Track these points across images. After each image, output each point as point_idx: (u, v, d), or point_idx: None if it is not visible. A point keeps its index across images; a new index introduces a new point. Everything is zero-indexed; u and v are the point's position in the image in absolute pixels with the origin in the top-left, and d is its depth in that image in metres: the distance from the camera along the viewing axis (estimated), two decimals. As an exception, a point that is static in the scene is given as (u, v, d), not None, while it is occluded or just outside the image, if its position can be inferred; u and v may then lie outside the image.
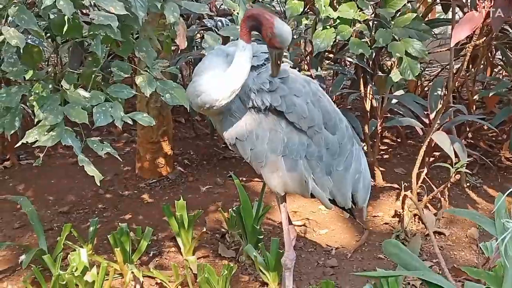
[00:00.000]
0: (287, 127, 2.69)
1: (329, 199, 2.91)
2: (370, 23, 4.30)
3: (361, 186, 2.99)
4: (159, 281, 3.70)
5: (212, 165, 5.52)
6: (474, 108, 5.30)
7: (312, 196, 2.86)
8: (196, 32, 5.21)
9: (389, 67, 4.98)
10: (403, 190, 4.27)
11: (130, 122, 2.84)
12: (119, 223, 3.89)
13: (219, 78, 2.58)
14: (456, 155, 4.03)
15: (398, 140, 6.01)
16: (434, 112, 4.33)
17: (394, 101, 4.72)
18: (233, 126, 2.72)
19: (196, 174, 5.30)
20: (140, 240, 3.83)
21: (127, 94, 2.93)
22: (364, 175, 3.01)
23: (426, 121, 4.46)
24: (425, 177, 4.31)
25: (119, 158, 3.08)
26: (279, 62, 2.59)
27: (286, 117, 2.69)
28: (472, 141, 5.48)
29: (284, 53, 2.72)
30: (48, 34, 3.10)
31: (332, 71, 5.75)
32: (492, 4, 3.45)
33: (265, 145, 2.69)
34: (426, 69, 6.74)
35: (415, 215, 4.35)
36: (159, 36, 3.27)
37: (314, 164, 2.78)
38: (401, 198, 4.32)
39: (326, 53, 5.03)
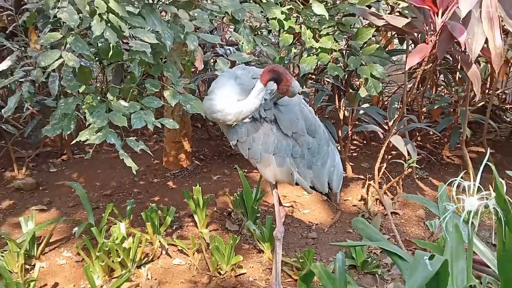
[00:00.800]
0: (277, 132, 2.70)
1: (310, 186, 2.93)
2: (344, 51, 4.30)
3: (335, 177, 3.00)
4: (180, 248, 3.71)
5: (221, 159, 5.52)
6: (422, 118, 5.31)
7: (297, 184, 2.87)
8: (210, 57, 5.22)
9: (357, 86, 4.98)
10: (367, 180, 4.28)
11: (159, 125, 2.84)
12: (150, 203, 3.90)
13: (237, 104, 2.56)
14: (409, 154, 4.03)
15: (364, 142, 6.02)
16: (392, 121, 4.33)
17: (361, 112, 4.72)
18: (235, 131, 2.72)
19: (209, 167, 5.29)
20: (166, 216, 3.84)
21: (157, 104, 2.94)
22: (337, 168, 3.02)
23: (386, 127, 4.46)
24: (385, 170, 4.31)
25: (150, 154, 3.08)
26: (279, 98, 2.67)
27: (276, 123, 2.71)
28: (420, 143, 5.48)
29: None
30: (97, 58, 3.09)
31: (314, 88, 5.74)
32: (437, 38, 3.46)
33: (259, 146, 2.70)
34: (386, 87, 6.74)
35: (376, 199, 4.36)
36: (182, 60, 3.27)
37: (298, 161, 2.78)
38: (366, 186, 4.33)
39: (310, 75, 5.04)
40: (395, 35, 5.19)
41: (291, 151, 2.74)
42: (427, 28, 3.59)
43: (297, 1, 4.09)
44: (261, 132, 2.69)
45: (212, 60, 5.63)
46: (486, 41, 3.25)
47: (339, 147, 4.91)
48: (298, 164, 2.79)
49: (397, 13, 4.34)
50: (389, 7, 4.62)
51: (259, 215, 3.96)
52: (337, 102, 4.80)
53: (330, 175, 2.97)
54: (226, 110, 2.55)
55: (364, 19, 4.23)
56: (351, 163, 5.10)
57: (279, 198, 3.03)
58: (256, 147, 2.71)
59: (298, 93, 2.71)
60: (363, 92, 4.14)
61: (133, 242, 3.44)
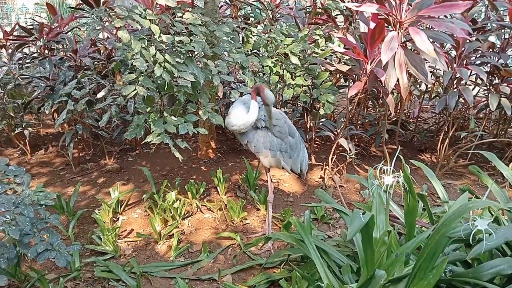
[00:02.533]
0: (272, 135, 2.71)
1: (290, 169, 2.92)
2: (310, 86, 4.29)
3: (304, 163, 3.00)
4: (208, 208, 3.70)
5: (234, 153, 5.50)
6: (358, 127, 5.28)
7: (283, 168, 2.87)
8: (227, 90, 5.19)
9: (318, 107, 4.98)
10: (324, 166, 4.27)
11: (196, 132, 2.84)
12: (190, 180, 3.89)
13: (244, 117, 2.57)
14: (350, 149, 4.03)
15: (322, 142, 6.00)
16: (340, 129, 4.32)
17: (320, 123, 4.71)
18: (246, 136, 2.72)
19: (227, 157, 5.27)
20: (199, 188, 3.83)
21: (194, 119, 2.92)
22: (305, 158, 3.01)
23: (336, 133, 4.45)
24: (335, 160, 4.30)
25: (190, 149, 3.08)
26: (270, 116, 2.59)
27: (269, 133, 2.71)
28: (357, 143, 5.47)
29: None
30: (158, 90, 3.08)
31: (291, 109, 5.73)
32: (368, 78, 3.46)
33: (261, 144, 2.71)
34: (336, 108, 6.71)
35: (330, 177, 4.35)
36: (210, 91, 3.27)
37: (284, 153, 2.79)
38: (323, 169, 4.32)
39: (289, 100, 5.03)
40: (342, 76, 5.18)
41: (280, 147, 2.75)
42: (361, 72, 3.59)
43: (281, 55, 4.09)
44: (261, 136, 2.71)
45: (228, 92, 5.60)
46: (398, 80, 3.26)
47: (307, 146, 4.90)
48: (283, 155, 2.80)
49: (343, 62, 4.33)
50: (338, 58, 4.61)
51: (257, 187, 3.95)
52: (305, 118, 4.79)
53: (302, 162, 2.97)
54: (239, 123, 2.56)
55: (322, 66, 4.23)
56: (314, 155, 5.09)
57: (270, 176, 3.03)
58: (259, 145, 2.72)
59: (282, 111, 2.73)
60: (322, 111, 4.15)
61: (180, 203, 3.43)
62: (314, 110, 4.78)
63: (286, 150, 2.82)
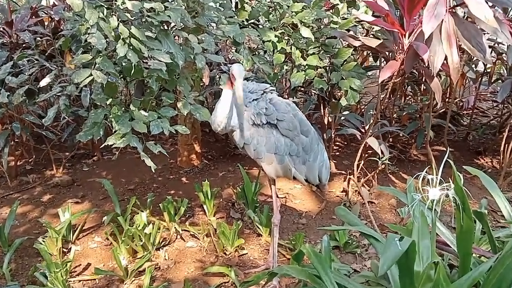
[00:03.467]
0: (277, 134, 2.72)
1: (305, 179, 2.94)
2: (327, 68, 4.30)
3: (324, 170, 3.01)
4: (192, 233, 3.71)
5: (226, 159, 5.51)
6: (393, 122, 5.30)
7: (294, 178, 2.89)
8: (216, 74, 5.21)
9: (339, 96, 4.99)
10: (348, 175, 4.28)
11: (174, 131, 2.84)
12: (167, 196, 3.90)
13: (224, 113, 2.70)
14: (382, 152, 4.04)
15: (345, 143, 6.01)
16: (368, 125, 4.33)
17: (342, 118, 4.73)
18: (242, 137, 2.73)
19: (216, 165, 5.29)
20: (180, 207, 3.84)
21: (172, 113, 2.93)
22: (325, 163, 3.03)
23: (363, 130, 4.46)
24: (362, 166, 4.31)
25: (166, 155, 3.07)
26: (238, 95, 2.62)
27: (276, 127, 2.73)
28: (392, 143, 5.48)
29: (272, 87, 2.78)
30: (121, 75, 3.09)
31: (302, 98, 5.74)
32: (405, 56, 3.47)
33: (263, 147, 2.72)
34: (362, 98, 6.73)
35: (355, 191, 4.36)
36: (192, 76, 3.27)
37: (295, 158, 2.81)
38: (347, 180, 4.33)
39: (299, 87, 5.04)
40: (370, 54, 5.19)
41: (289, 150, 2.76)
42: (396, 47, 3.60)
43: (288, 26, 4.09)
44: (263, 135, 2.72)
45: (217, 76, 5.62)
46: (446, 58, 3.26)
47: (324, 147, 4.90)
48: (294, 161, 2.81)
49: (371, 35, 4.34)
50: (365, 30, 4.62)
51: (257, 205, 3.96)
52: (322, 110, 4.80)
53: (320, 169, 2.98)
54: (220, 123, 2.67)
55: (344, 40, 4.23)
56: (334, 161, 5.10)
57: (276, 191, 3.04)
58: (260, 148, 2.73)
59: (292, 101, 2.77)
60: (343, 102, 4.15)
61: (153, 228, 3.44)
62: (333, 100, 4.79)
63: (297, 154, 2.83)
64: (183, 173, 5.05)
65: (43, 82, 3.53)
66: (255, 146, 2.74)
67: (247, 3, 4.14)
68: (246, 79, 5.10)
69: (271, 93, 2.83)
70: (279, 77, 4.47)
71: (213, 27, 3.37)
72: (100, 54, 2.71)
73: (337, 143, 6.03)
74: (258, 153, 2.75)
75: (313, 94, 5.71)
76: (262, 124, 2.70)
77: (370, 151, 4.54)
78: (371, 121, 4.23)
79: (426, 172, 2.24)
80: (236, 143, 2.81)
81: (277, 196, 3.08)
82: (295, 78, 4.05)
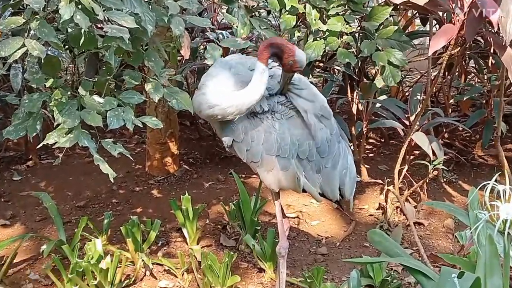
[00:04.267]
0: (280, 128, 2.70)
1: (319, 193, 2.93)
2: (356, 35, 4.29)
3: (347, 180, 2.99)
4: (167, 268, 3.70)
5: (214, 163, 5.51)
6: (449, 111, 5.31)
7: (304, 191, 2.87)
8: (200, 43, 5.21)
9: (373, 75, 4.98)
10: (386, 185, 4.28)
11: (140, 125, 2.83)
12: (131, 216, 3.90)
13: (236, 94, 2.59)
14: (434, 153, 4.04)
15: (381, 140, 6.01)
16: (414, 115, 4.33)
17: (378, 105, 4.72)
18: (230, 129, 2.73)
19: (200, 172, 5.29)
20: (150, 231, 3.83)
21: (138, 99, 2.92)
22: (350, 170, 3.01)
23: (407, 123, 4.45)
24: (406, 173, 4.31)
25: (130, 158, 3.07)
26: (289, 82, 2.69)
27: (278, 120, 2.71)
28: (448, 141, 5.48)
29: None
30: (66, 46, 3.08)
31: (322, 78, 5.74)
32: (465, 17, 3.46)
33: (260, 146, 2.71)
34: (407, 76, 6.74)
35: (397, 207, 4.36)
36: (166, 47, 3.26)
37: (305, 163, 2.79)
38: (384, 192, 4.33)
39: (317, 62, 5.04)
40: (417, 15, 5.19)
41: (297, 151, 2.73)
42: (453, 5, 3.59)
43: (301, -24, 4.08)
44: (261, 130, 2.70)
45: (201, 47, 5.62)
46: (523, 20, 3.25)
47: (352, 147, 4.90)
48: (305, 166, 2.79)
49: (418, -11, 4.33)
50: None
51: (259, 228, 3.96)
52: (349, 94, 4.80)
53: (342, 179, 2.96)
54: (224, 104, 2.56)
55: (379, -4, 4.23)
56: (366, 165, 5.10)
57: (281, 208, 3.03)
58: (256, 148, 2.71)
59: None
60: (379, 82, 4.14)
61: (112, 261, 3.43)
62: (365, 81, 4.77)
63: (310, 157, 2.82)
64: (154, 183, 5.06)
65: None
66: (249, 145, 2.72)
67: None
68: (243, 50, 5.11)
69: (272, 68, 2.82)
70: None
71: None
72: (37, 16, 2.71)
73: (371, 141, 6.03)
74: (253, 155, 2.74)
75: (337, 71, 5.71)
76: (260, 113, 2.69)
77: (417, 152, 4.54)
78: (419, 109, 4.23)
79: (495, 181, 2.24)
80: (222, 139, 2.82)
81: (285, 216, 3.07)
82: (311, 49, 4.04)
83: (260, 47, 2.57)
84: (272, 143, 2.70)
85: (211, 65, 2.88)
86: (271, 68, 2.74)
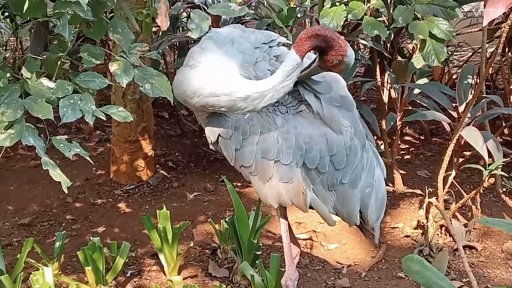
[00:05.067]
0: (284, 125, 2.67)
1: (333, 214, 2.92)
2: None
3: (372, 202, 2.97)
4: (138, 306, 3.71)
5: (201, 167, 5.51)
6: (511, 99, 5.30)
7: (311, 208, 2.87)
8: (181, 10, 5.21)
9: (410, 51, 4.97)
10: (427, 196, 4.28)
11: (103, 117, 2.83)
12: (91, 237, 3.89)
13: (254, 83, 2.56)
14: (490, 155, 4.03)
15: (421, 137, 6.02)
16: (464, 104, 4.32)
17: (416, 91, 4.72)
18: (218, 121, 2.73)
19: (182, 179, 5.29)
20: (116, 257, 3.83)
21: (100, 84, 2.92)
22: (377, 188, 2.99)
23: (455, 114, 4.46)
24: (453, 181, 4.31)
25: (90, 161, 3.06)
26: (315, 74, 2.66)
27: (282, 114, 2.69)
28: (509, 138, 5.48)
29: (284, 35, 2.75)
30: (6, 14, 3.09)
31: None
32: (532, -25, 3.45)
33: (254, 146, 2.69)
34: (454, 53, 6.74)
35: (441, 226, 4.36)
36: (137, 15, 3.26)
37: (314, 175, 2.76)
38: (424, 206, 4.32)
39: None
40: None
41: (304, 158, 2.70)
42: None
43: None
44: (257, 125, 2.69)
45: (184, 14, 5.63)
46: None
47: (382, 146, 4.90)
48: (313, 179, 2.77)
49: None
50: None
51: (259, 253, 3.96)
52: (378, 77, 4.80)
53: (364, 201, 2.93)
54: (238, 93, 2.52)
55: None
56: (401, 171, 5.10)
57: (289, 227, 3.03)
58: (248, 148, 2.72)
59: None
60: (418, 61, 4.14)
61: (66, 297, 3.43)
62: (399, 59, 4.75)
63: (321, 167, 2.81)
64: (122, 194, 5.08)
65: None
66: (239, 143, 2.74)
67: None
68: (240, 20, 5.08)
69: (280, 46, 2.83)
70: (298, 16, 4.46)
71: None
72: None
73: (407, 138, 6.02)
74: (244, 158, 2.75)
75: (362, 47, 5.70)
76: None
77: (468, 153, 4.52)
78: (470, 97, 4.22)
79: None
80: (208, 135, 2.84)
81: (294, 238, 3.06)
82: (329, 17, 4.04)
83: (301, 35, 2.53)
84: (270, 144, 2.69)
85: (197, 39, 2.87)
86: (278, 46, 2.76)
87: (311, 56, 2.60)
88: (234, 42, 2.71)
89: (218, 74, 2.58)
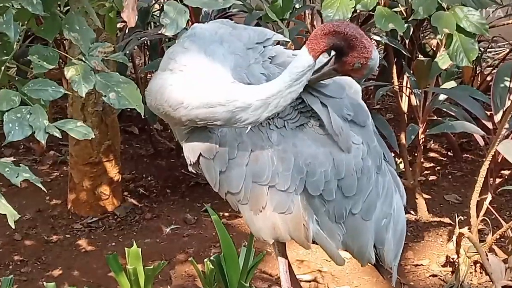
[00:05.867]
0: (280, 142, 2.67)
1: (344, 249, 2.93)
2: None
3: (389, 236, 2.98)
4: None
5: (180, 194, 5.51)
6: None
7: (314, 242, 2.86)
8: (153, 1, 5.23)
9: (433, 49, 5.00)
10: (457, 226, 4.29)
11: (58, 134, 2.83)
12: (44, 282, 3.88)
13: (254, 88, 2.53)
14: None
15: (449, 153, 6.04)
16: (501, 112, 4.34)
17: (442, 97, 4.74)
18: (199, 137, 2.73)
19: (156, 209, 5.29)
20: (75, 306, 3.82)
21: (53, 94, 2.92)
22: (395, 219, 3.00)
23: (489, 125, 4.48)
24: (489, 206, 4.32)
25: (43, 188, 3.06)
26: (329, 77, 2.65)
27: (279, 128, 2.68)
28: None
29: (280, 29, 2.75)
30: None
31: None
32: None
33: (243, 168, 2.69)
34: (488, 50, 6.77)
35: (475, 262, 4.36)
36: (98, 9, 3.28)
37: (318, 204, 2.76)
38: (454, 238, 4.33)
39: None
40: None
41: (305, 182, 2.69)
42: None
43: None
44: (247, 142, 2.69)
45: (157, 7, 5.65)
46: None
47: (402, 165, 4.91)
48: (317, 208, 2.76)
49: None
50: None
51: (253, 298, 3.96)
52: (395, 80, 4.82)
53: (380, 234, 2.94)
54: (239, 101, 2.48)
55: None
56: (425, 195, 5.11)
57: (289, 267, 3.04)
58: (236, 171, 2.72)
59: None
60: (444, 61, 4.16)
61: None
62: (420, 58, 4.77)
63: (327, 194, 2.81)
64: (82, 228, 5.07)
65: None
66: (224, 164, 2.74)
67: None
68: (225, 13, 5.09)
69: (274, 45, 2.85)
70: (297, 7, 4.48)
71: None
72: None
73: (432, 155, 6.03)
74: (230, 182, 2.75)
75: (376, 44, 5.72)
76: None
77: (507, 171, 4.54)
78: (509, 103, 4.24)
79: None
80: (186, 155, 2.85)
81: (295, 279, 3.06)
82: (333, 8, 4.07)
83: (316, 31, 2.51)
84: (264, 165, 2.69)
85: (172, 37, 2.88)
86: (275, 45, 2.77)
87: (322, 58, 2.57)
88: (223, 41, 2.70)
89: (210, 80, 2.54)
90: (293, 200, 2.70)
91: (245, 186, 2.70)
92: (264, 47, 2.80)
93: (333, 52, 2.54)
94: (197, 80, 2.55)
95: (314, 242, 2.84)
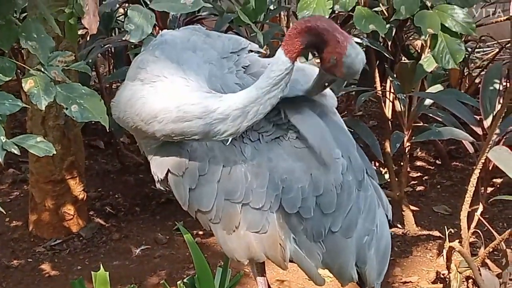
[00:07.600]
0: (255, 156, 2.70)
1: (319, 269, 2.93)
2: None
3: (372, 254, 2.99)
4: None
5: (150, 212, 5.51)
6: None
7: (291, 261, 2.86)
8: (117, 6, 5.22)
9: (418, 50, 5.02)
10: (447, 239, 4.30)
11: (17, 151, 2.83)
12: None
13: (231, 97, 2.51)
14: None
15: (437, 161, 6.06)
16: (491, 117, 4.36)
17: (428, 102, 4.76)
18: (168, 151, 2.73)
19: (124, 228, 5.28)
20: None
21: (10, 107, 2.92)
22: (378, 236, 3.01)
23: (479, 131, 4.50)
24: (481, 217, 4.34)
25: (1, 209, 3.06)
26: (325, 86, 2.65)
27: (253, 142, 2.68)
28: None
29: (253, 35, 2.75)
30: None
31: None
32: None
33: (214, 185, 2.69)
34: (476, 50, 6.81)
35: (467, 277, 4.37)
36: (58, 15, 3.27)
37: (295, 222, 2.77)
38: (445, 252, 4.34)
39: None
40: None
41: (281, 199, 2.70)
42: None
43: None
44: (220, 157, 2.69)
45: (120, 11, 5.64)
46: None
47: (387, 176, 4.93)
48: (294, 227, 2.77)
49: None
50: None
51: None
52: (378, 85, 4.83)
53: (362, 253, 2.95)
54: (216, 113, 2.46)
55: None
56: (412, 207, 5.13)
57: (269, 287, 3.03)
58: (207, 188, 2.72)
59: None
60: (429, 63, 4.18)
61: None
62: (403, 61, 4.78)
63: (305, 212, 2.80)
64: (45, 251, 5.04)
65: None
66: (194, 181, 2.74)
67: None
68: (194, 16, 5.10)
69: (249, 54, 2.87)
70: (270, 9, 4.50)
71: None
72: None
73: (419, 163, 6.06)
74: (200, 200, 2.76)
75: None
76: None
77: (498, 180, 4.56)
78: (499, 107, 4.27)
79: None
80: (153, 170, 2.82)
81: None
82: (310, 9, 4.08)
83: (290, 31, 2.52)
84: (236, 182, 2.70)
85: (138, 43, 2.88)
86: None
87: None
88: (196, 49, 2.70)
89: (184, 91, 2.52)
90: (268, 219, 2.70)
91: (216, 204, 2.69)
92: (238, 55, 2.80)
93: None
94: (171, 92, 2.53)
95: (292, 261, 2.83)
